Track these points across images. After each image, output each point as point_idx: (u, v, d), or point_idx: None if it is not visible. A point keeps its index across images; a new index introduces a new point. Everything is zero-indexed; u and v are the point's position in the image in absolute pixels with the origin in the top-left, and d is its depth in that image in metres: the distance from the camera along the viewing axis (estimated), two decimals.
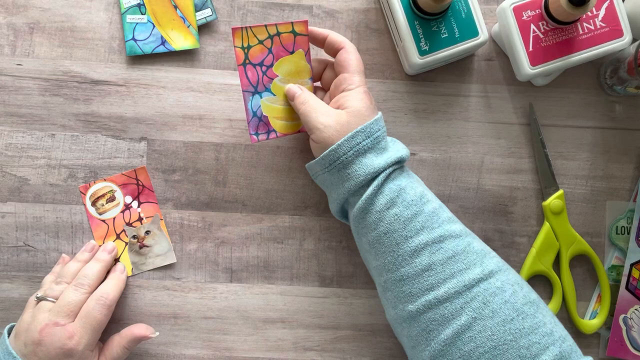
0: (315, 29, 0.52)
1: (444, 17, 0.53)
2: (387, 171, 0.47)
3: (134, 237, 0.57)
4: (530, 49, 0.54)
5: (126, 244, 0.57)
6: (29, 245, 0.57)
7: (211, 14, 0.53)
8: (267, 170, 0.58)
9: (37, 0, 0.58)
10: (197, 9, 0.53)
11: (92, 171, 0.57)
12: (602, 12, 0.54)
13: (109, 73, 0.58)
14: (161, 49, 0.56)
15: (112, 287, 0.52)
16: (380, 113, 0.50)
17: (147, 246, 0.57)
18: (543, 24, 0.53)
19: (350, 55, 0.51)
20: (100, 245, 0.56)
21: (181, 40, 0.56)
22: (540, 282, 0.58)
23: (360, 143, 0.47)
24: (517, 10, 0.53)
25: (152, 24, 0.54)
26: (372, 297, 0.58)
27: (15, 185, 0.57)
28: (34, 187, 0.57)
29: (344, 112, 0.49)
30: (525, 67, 0.54)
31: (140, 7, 0.54)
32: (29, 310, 0.51)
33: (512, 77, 0.58)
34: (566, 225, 0.58)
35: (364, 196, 0.47)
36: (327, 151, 0.48)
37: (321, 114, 0.49)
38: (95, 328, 0.50)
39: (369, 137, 0.48)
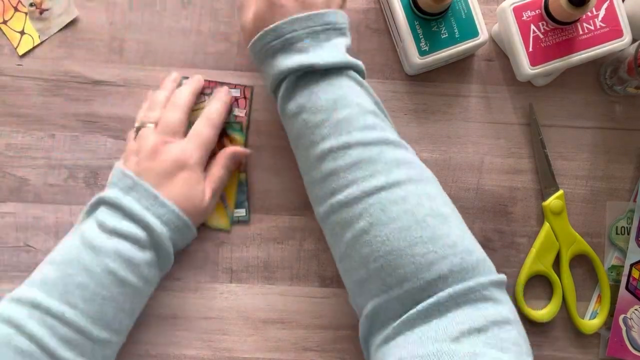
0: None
1: (444, 17, 0.53)
2: (296, 75, 0.46)
3: (31, 4, 0.56)
4: (530, 49, 0.54)
5: (26, 14, 0.57)
6: (29, 246, 0.57)
7: (244, 214, 0.57)
8: (267, 170, 0.58)
9: None
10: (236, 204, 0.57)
11: (92, 171, 0.57)
12: (602, 13, 0.54)
13: (109, 73, 0.58)
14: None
15: (217, 107, 0.54)
16: (296, 16, 0.46)
17: (46, 9, 0.56)
18: (543, 24, 0.54)
19: None
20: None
21: (216, 219, 0.57)
22: (540, 283, 0.58)
23: (270, 43, 0.47)
24: (517, 11, 0.53)
25: None
26: None
27: (15, 185, 0.57)
28: (34, 187, 0.57)
29: (251, 19, 0.48)
30: (525, 67, 0.54)
31: None
32: (131, 141, 0.53)
33: (512, 77, 0.58)
34: (566, 226, 0.58)
35: (278, 98, 0.48)
36: (249, 48, 0.49)
37: (242, 15, 0.50)
38: (205, 145, 0.52)
39: (278, 38, 0.46)
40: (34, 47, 0.58)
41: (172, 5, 0.58)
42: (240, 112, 0.57)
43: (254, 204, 0.58)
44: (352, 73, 0.48)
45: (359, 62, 0.48)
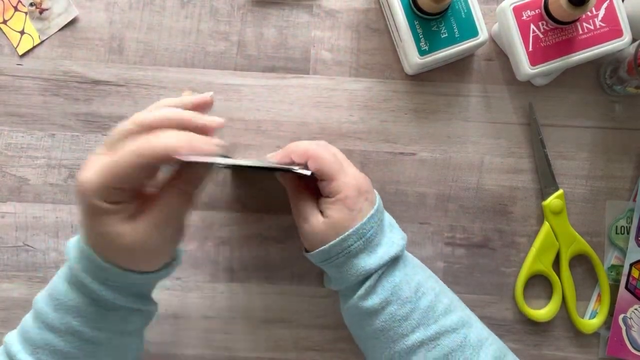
0: (279, 156, 0.50)
1: (444, 17, 0.53)
2: (381, 270, 0.47)
3: (31, 4, 0.56)
4: (530, 49, 0.54)
5: (26, 13, 0.57)
6: (28, 245, 0.57)
7: None
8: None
9: None
10: None
11: None
12: (601, 12, 0.54)
13: (109, 73, 0.58)
14: None
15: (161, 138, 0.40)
16: (373, 209, 0.47)
17: (46, 9, 0.56)
18: (543, 24, 0.54)
19: (317, 162, 0.47)
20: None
21: None
22: (540, 282, 0.58)
23: (352, 245, 0.46)
24: (517, 10, 0.53)
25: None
26: None
27: (15, 185, 0.57)
28: (34, 187, 0.57)
29: (322, 222, 0.47)
30: (525, 67, 0.54)
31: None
32: None
33: (512, 77, 0.58)
34: (566, 225, 0.58)
35: (357, 296, 0.47)
36: (315, 252, 0.48)
37: (305, 221, 0.48)
38: (108, 169, 0.38)
39: (360, 239, 0.46)
40: (34, 47, 0.58)
41: (171, 5, 0.58)
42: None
43: (254, 204, 0.58)
44: (405, 253, 0.50)
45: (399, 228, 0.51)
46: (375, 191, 0.50)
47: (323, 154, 0.47)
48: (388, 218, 0.50)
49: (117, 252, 0.40)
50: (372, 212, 0.47)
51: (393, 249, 0.47)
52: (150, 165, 0.37)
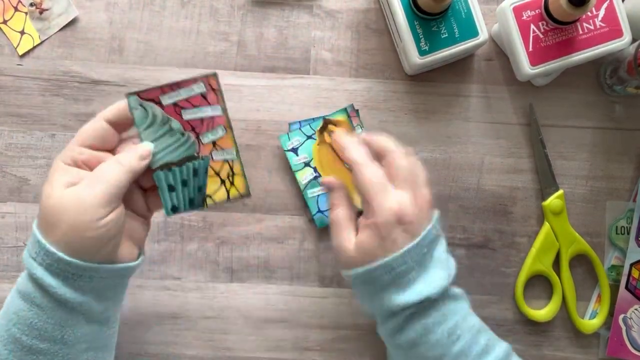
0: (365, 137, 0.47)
1: (444, 17, 0.53)
2: (409, 311, 0.43)
3: (31, 4, 0.56)
4: (530, 49, 0.54)
5: (26, 13, 0.57)
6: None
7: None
8: (267, 170, 0.58)
9: None
10: None
11: None
12: (601, 12, 0.54)
13: (109, 73, 0.58)
14: None
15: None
16: (412, 243, 0.43)
17: (46, 9, 0.56)
18: (543, 24, 0.54)
19: (357, 176, 0.44)
20: None
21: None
22: (540, 282, 0.58)
23: (379, 278, 0.43)
24: (517, 10, 0.53)
25: None
26: None
27: (15, 185, 0.57)
28: (34, 187, 0.57)
29: (352, 243, 0.44)
30: (525, 67, 0.54)
31: (317, 179, 0.56)
32: None
33: (512, 77, 0.58)
34: (566, 225, 0.58)
35: (386, 328, 0.45)
36: (344, 273, 0.46)
37: (340, 238, 0.45)
38: (74, 137, 0.44)
39: (389, 273, 0.43)
40: (34, 47, 0.58)
41: (171, 5, 0.58)
42: (215, 111, 0.46)
43: (254, 204, 0.58)
44: (454, 290, 0.45)
45: (454, 266, 0.46)
46: (433, 222, 0.45)
47: (366, 169, 0.44)
48: (441, 252, 0.45)
49: (59, 221, 0.40)
50: (409, 246, 0.42)
51: (428, 289, 0.43)
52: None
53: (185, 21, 0.58)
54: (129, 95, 0.44)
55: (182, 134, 0.45)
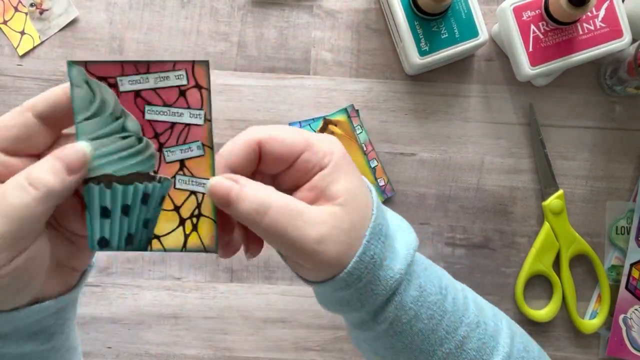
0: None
1: (444, 17, 0.53)
2: (404, 283, 0.35)
3: (31, 4, 0.56)
4: (530, 49, 0.54)
5: (26, 14, 0.57)
6: None
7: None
8: None
9: None
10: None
11: None
12: (602, 13, 0.54)
13: None
14: None
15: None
16: (373, 190, 0.34)
17: (46, 10, 0.56)
18: (543, 25, 0.53)
19: (314, 146, 0.32)
20: None
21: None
22: (540, 282, 0.58)
23: (377, 253, 0.33)
24: (517, 11, 0.53)
25: None
26: None
27: None
28: None
29: (338, 207, 0.31)
30: (525, 67, 0.54)
31: None
32: None
33: (512, 77, 0.58)
34: (566, 225, 0.58)
35: (381, 320, 0.35)
36: (343, 274, 0.32)
37: (307, 224, 0.30)
38: None
39: (379, 239, 0.33)
40: (34, 47, 0.58)
41: (171, 5, 0.58)
42: (194, 118, 0.31)
43: None
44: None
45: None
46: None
47: (278, 132, 0.32)
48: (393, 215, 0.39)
49: None
50: (373, 198, 0.34)
51: (410, 245, 0.35)
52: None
53: (185, 21, 0.58)
54: (71, 63, 0.30)
55: (139, 140, 0.31)
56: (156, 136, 0.31)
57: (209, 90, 0.30)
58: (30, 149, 0.31)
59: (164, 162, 0.31)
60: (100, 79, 0.30)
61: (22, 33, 0.57)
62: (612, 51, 0.54)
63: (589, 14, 0.53)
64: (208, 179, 0.31)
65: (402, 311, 0.35)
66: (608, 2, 0.53)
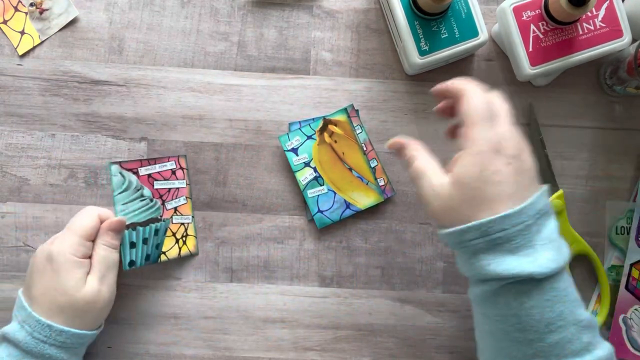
0: (438, 88, 0.45)
1: (444, 17, 0.53)
2: (505, 282, 0.39)
3: (31, 4, 0.56)
4: (530, 49, 0.54)
5: (26, 14, 0.57)
6: (28, 245, 0.57)
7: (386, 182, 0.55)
8: (267, 170, 0.58)
9: None
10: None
11: (92, 171, 0.57)
12: (601, 13, 0.54)
13: (109, 73, 0.58)
14: (348, 212, 0.57)
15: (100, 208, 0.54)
16: (524, 203, 0.38)
17: (46, 9, 0.56)
18: (543, 24, 0.54)
19: (468, 103, 0.41)
20: None
21: (364, 198, 0.57)
22: None
23: (472, 241, 0.39)
24: (517, 11, 0.53)
25: (333, 191, 0.56)
26: (372, 297, 0.58)
27: (15, 185, 0.57)
28: (34, 187, 0.57)
29: (447, 183, 0.40)
30: (525, 67, 0.54)
31: (317, 179, 0.56)
32: None
33: (512, 77, 0.58)
34: (566, 225, 0.58)
35: (474, 293, 0.42)
36: (440, 233, 0.42)
37: (427, 183, 0.41)
38: (76, 231, 0.50)
39: (482, 237, 0.38)
40: (34, 47, 0.58)
41: (171, 5, 0.58)
42: (181, 184, 0.56)
43: (254, 204, 0.58)
44: (566, 276, 0.40)
45: (568, 252, 0.41)
46: (542, 191, 0.41)
47: (474, 97, 0.41)
48: (553, 232, 0.40)
49: (71, 300, 0.48)
50: (510, 212, 0.38)
51: (532, 266, 0.38)
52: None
53: (185, 21, 0.58)
54: (111, 164, 0.55)
55: (151, 200, 0.55)
56: (160, 196, 0.56)
57: (187, 169, 0.56)
58: (94, 237, 0.52)
59: (165, 210, 0.56)
60: (128, 169, 0.55)
61: (22, 33, 0.57)
62: (612, 51, 0.54)
63: (588, 13, 0.53)
64: (190, 215, 0.56)
65: (493, 306, 0.40)
66: (608, 2, 0.53)
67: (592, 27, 0.54)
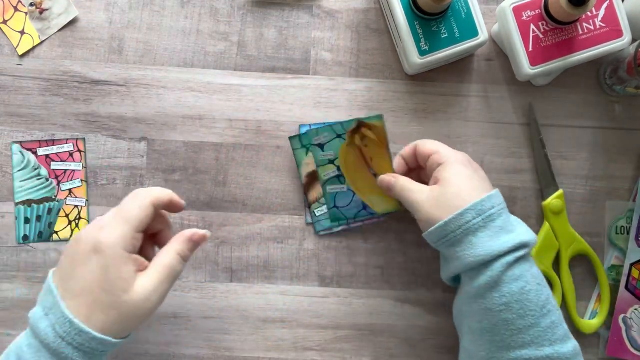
0: (405, 152, 0.53)
1: (444, 17, 0.53)
2: (506, 260, 0.44)
3: (31, 4, 0.56)
4: (530, 49, 0.54)
5: (26, 14, 0.57)
6: (28, 245, 0.57)
7: None
8: (267, 170, 0.58)
9: None
10: None
11: (92, 171, 0.57)
12: (601, 13, 0.54)
13: (109, 73, 0.58)
14: (364, 214, 0.57)
15: (153, 188, 0.47)
16: (496, 190, 0.48)
17: (46, 9, 0.56)
18: (543, 24, 0.54)
19: (422, 144, 0.51)
20: None
21: (383, 204, 0.56)
22: None
23: (470, 221, 0.45)
24: (517, 11, 0.53)
25: (352, 192, 0.57)
26: (372, 297, 0.58)
27: None
28: None
29: (437, 186, 0.47)
30: (525, 67, 0.54)
31: (339, 178, 0.56)
32: None
33: (512, 77, 0.58)
34: (566, 225, 0.58)
35: (476, 285, 0.45)
36: (433, 228, 0.47)
37: (412, 192, 0.49)
38: (129, 221, 0.43)
39: (479, 215, 0.45)
40: (34, 47, 0.58)
41: (171, 5, 0.58)
42: (77, 167, 0.56)
43: (254, 204, 0.58)
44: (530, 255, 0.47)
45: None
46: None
47: (426, 142, 0.51)
48: (515, 219, 0.48)
49: (116, 302, 0.42)
50: (494, 191, 0.47)
51: (525, 236, 0.45)
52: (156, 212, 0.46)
53: (185, 21, 0.58)
54: (13, 143, 0.56)
55: (47, 180, 0.56)
56: (56, 177, 0.57)
57: (85, 152, 0.57)
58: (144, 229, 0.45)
59: (60, 190, 0.57)
60: (28, 149, 0.57)
61: (22, 33, 0.57)
62: (612, 51, 0.54)
63: (588, 13, 0.53)
64: (84, 198, 0.57)
65: (496, 292, 0.44)
66: (608, 2, 0.53)
67: (592, 27, 0.54)
